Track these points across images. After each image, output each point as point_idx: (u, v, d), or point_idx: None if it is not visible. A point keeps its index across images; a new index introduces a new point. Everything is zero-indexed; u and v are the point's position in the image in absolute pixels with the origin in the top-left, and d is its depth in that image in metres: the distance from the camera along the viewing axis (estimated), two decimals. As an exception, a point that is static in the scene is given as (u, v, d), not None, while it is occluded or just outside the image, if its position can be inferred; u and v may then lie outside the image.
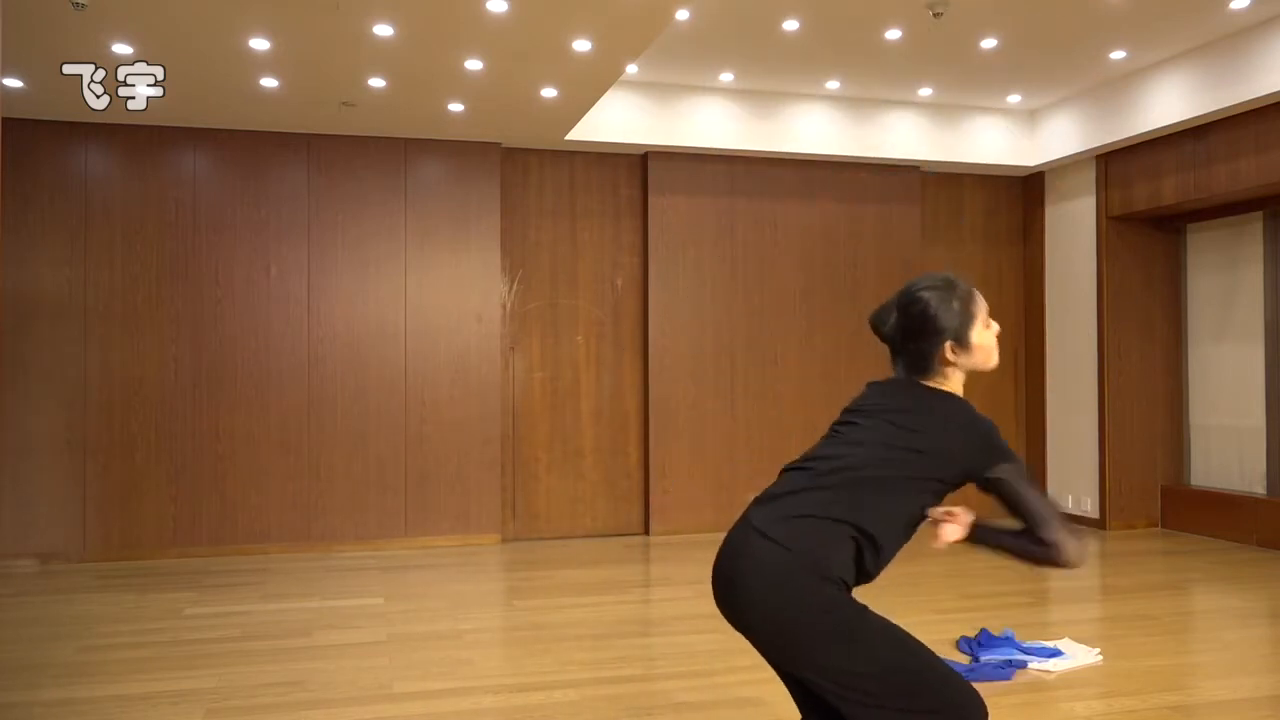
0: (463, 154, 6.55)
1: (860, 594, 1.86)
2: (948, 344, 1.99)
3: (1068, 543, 1.88)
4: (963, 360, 2.01)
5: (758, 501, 1.94)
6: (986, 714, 1.87)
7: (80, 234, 5.98)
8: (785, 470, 1.98)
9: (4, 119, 5.54)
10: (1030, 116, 7.28)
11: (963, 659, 3.80)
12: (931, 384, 2.01)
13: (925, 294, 2.01)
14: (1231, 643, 4.21)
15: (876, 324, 2.07)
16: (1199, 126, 6.09)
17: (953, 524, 1.96)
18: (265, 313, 6.24)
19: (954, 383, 2.03)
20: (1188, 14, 5.32)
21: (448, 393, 6.49)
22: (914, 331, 2.01)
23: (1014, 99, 6.96)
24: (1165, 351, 7.05)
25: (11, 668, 3.84)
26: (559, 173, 6.85)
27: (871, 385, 2.09)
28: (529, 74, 5.23)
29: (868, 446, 1.91)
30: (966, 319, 2.01)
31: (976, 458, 1.91)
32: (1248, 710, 3.30)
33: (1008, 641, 3.92)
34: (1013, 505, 1.92)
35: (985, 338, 2.04)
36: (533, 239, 6.80)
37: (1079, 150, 6.85)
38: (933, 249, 7.47)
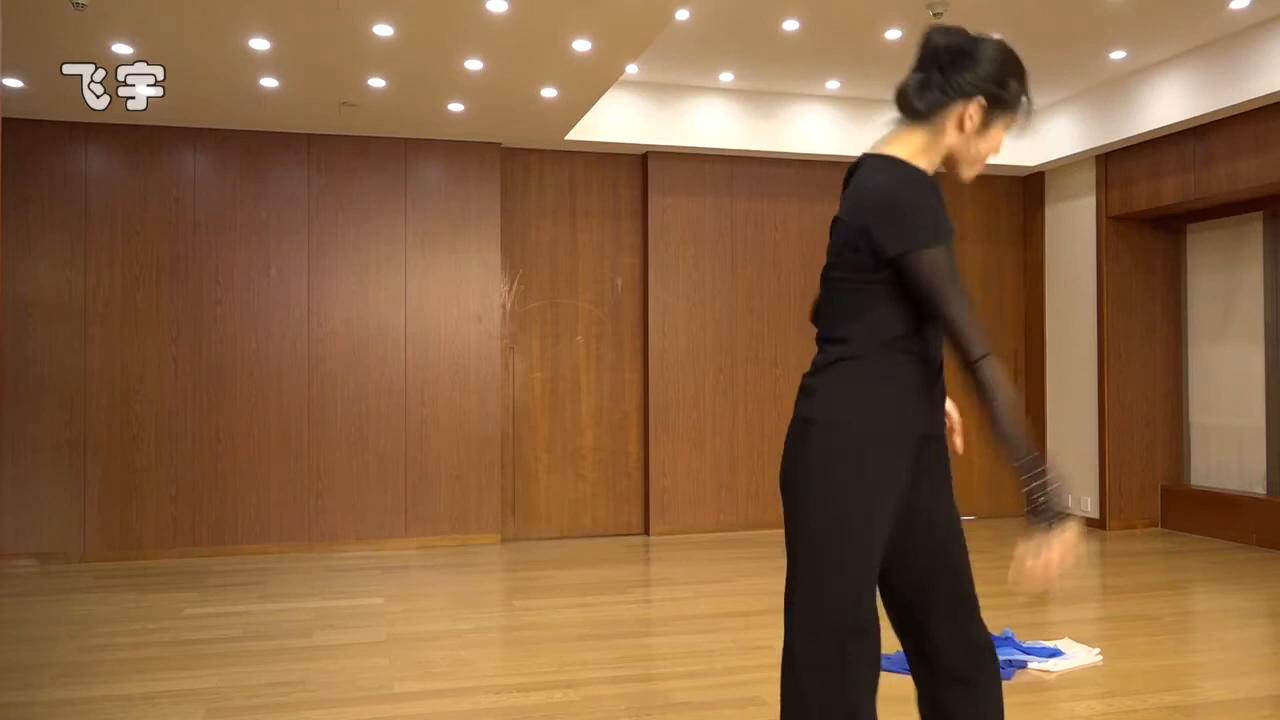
0: (463, 154, 6.55)
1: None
2: (979, 102, 1.81)
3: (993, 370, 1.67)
4: (970, 138, 1.83)
5: None
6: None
7: (80, 234, 5.98)
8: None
9: (4, 119, 5.54)
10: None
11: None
12: (912, 138, 1.85)
13: (1001, 49, 1.84)
14: (1231, 643, 4.21)
15: (936, 33, 1.85)
16: (1199, 126, 6.09)
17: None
18: (265, 313, 6.24)
19: (932, 149, 1.84)
20: (1188, 14, 5.32)
21: (448, 393, 6.49)
22: (966, 62, 1.81)
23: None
24: (1165, 351, 7.05)
25: (11, 668, 3.84)
26: (559, 173, 6.85)
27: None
28: (529, 74, 5.24)
29: None
30: (1014, 99, 1.83)
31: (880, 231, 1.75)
32: (1248, 710, 3.30)
33: (1008, 641, 3.92)
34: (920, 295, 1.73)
35: (999, 137, 1.86)
36: (533, 239, 6.80)
37: (1079, 150, 6.85)
38: (933, 249, 7.47)
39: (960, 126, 1.84)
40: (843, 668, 1.81)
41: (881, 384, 1.81)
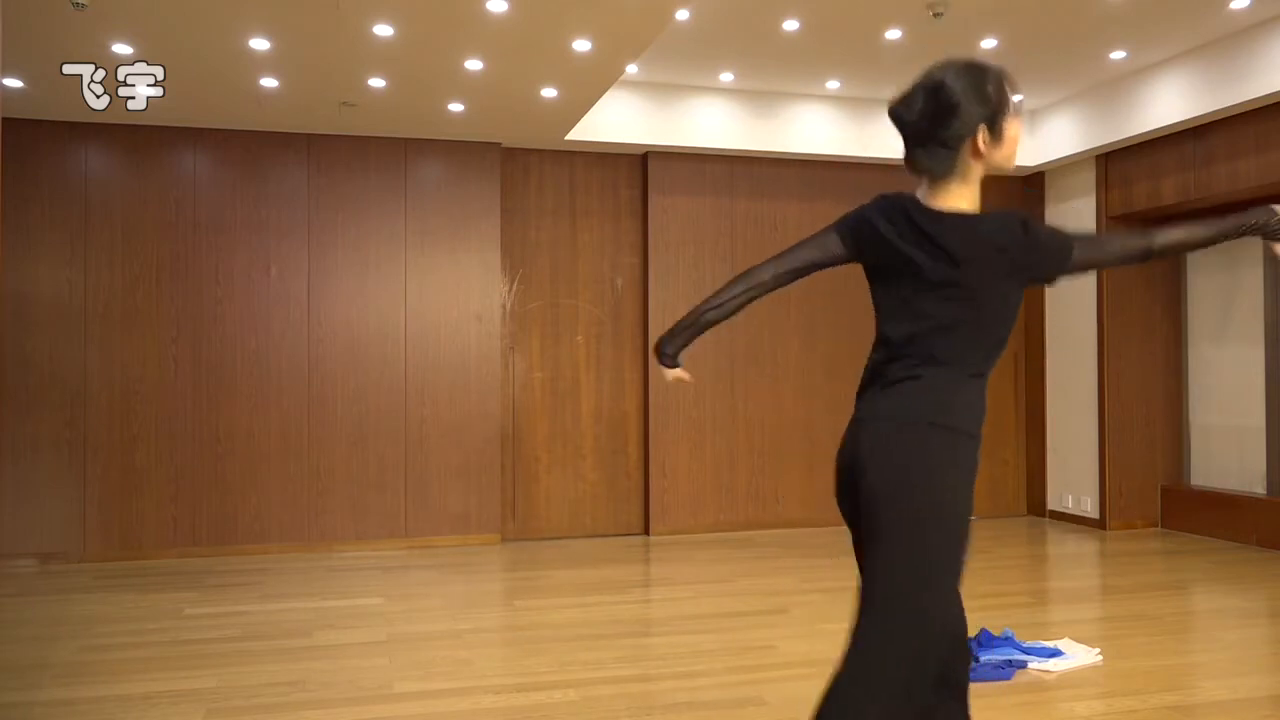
0: (463, 154, 6.55)
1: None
2: (981, 129, 1.88)
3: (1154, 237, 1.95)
4: (992, 153, 1.91)
5: None
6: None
7: (80, 234, 5.98)
8: None
9: (4, 119, 5.54)
10: (1030, 116, 7.27)
11: (963, 659, 3.80)
12: (953, 188, 1.91)
13: (958, 75, 1.87)
14: (1231, 643, 4.21)
15: (900, 111, 1.91)
16: (1199, 126, 6.09)
17: None
18: (265, 313, 6.24)
19: (973, 185, 1.93)
20: (1188, 14, 5.32)
21: (448, 393, 6.49)
22: (945, 114, 1.86)
23: (1014, 99, 6.94)
24: (1165, 351, 7.05)
25: (11, 668, 3.84)
26: (559, 173, 6.85)
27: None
28: (529, 74, 5.23)
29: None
30: (1002, 101, 1.90)
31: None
32: (1248, 710, 3.30)
33: (1008, 641, 3.92)
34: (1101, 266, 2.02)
35: (1016, 130, 1.94)
36: (533, 239, 6.80)
37: (1079, 150, 6.85)
38: (933, 249, 7.47)
39: (978, 155, 1.92)
40: (918, 681, 1.88)
41: (982, 402, 1.96)
